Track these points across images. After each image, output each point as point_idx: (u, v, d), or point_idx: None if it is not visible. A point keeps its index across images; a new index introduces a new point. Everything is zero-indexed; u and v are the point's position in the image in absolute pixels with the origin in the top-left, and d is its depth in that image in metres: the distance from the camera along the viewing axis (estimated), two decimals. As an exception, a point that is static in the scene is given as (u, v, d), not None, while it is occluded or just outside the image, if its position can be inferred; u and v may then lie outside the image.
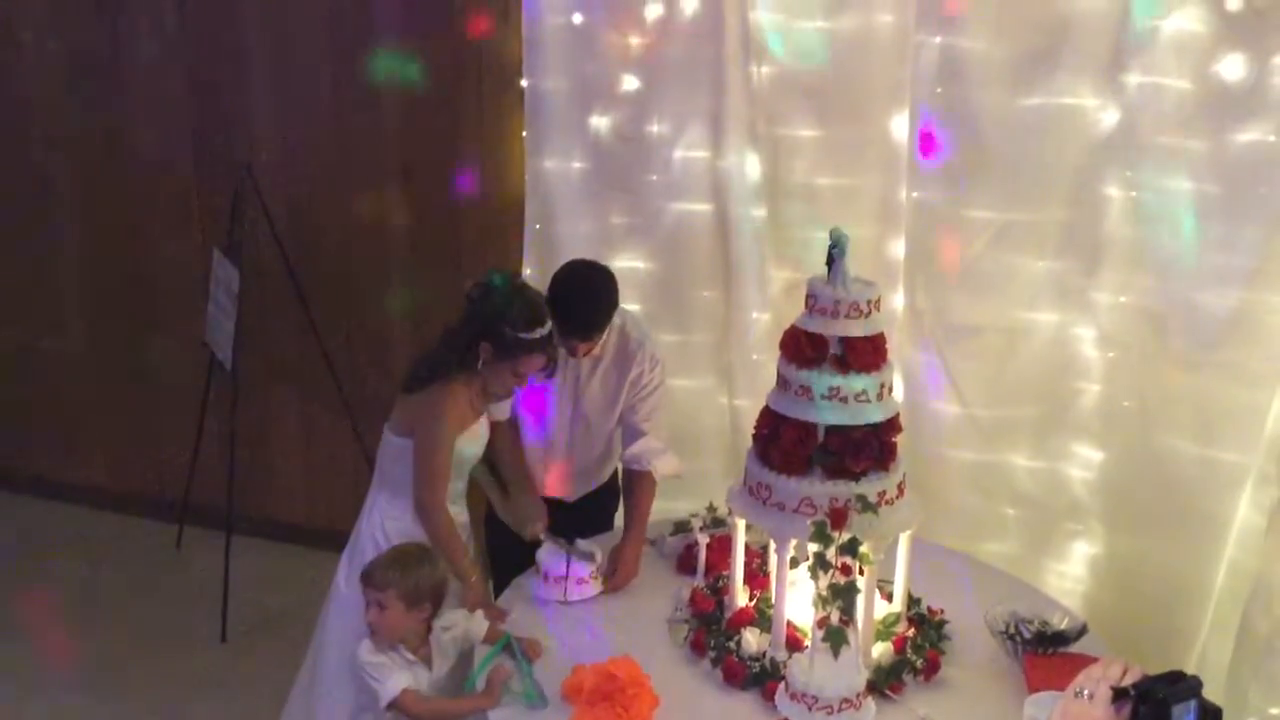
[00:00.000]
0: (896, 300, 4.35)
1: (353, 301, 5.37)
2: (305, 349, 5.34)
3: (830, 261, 3.23)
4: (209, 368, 5.40)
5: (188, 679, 4.80)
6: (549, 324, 3.51)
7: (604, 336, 3.74)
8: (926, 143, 4.20)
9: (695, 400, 4.67)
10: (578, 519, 3.88)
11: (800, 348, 3.23)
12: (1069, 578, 4.33)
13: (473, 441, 3.63)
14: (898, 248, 4.34)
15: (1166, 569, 4.06)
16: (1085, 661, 3.19)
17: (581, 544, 3.65)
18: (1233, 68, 3.77)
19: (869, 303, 3.21)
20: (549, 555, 3.60)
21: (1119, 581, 4.21)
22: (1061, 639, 3.30)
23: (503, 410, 3.80)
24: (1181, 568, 4.04)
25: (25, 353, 6.03)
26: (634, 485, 3.85)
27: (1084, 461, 4.25)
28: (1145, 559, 4.12)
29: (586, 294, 3.65)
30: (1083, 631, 3.34)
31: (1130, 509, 4.15)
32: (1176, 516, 4.03)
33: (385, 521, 3.65)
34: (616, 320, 3.79)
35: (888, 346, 3.31)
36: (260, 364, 5.46)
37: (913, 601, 3.46)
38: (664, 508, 3.99)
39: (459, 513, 3.68)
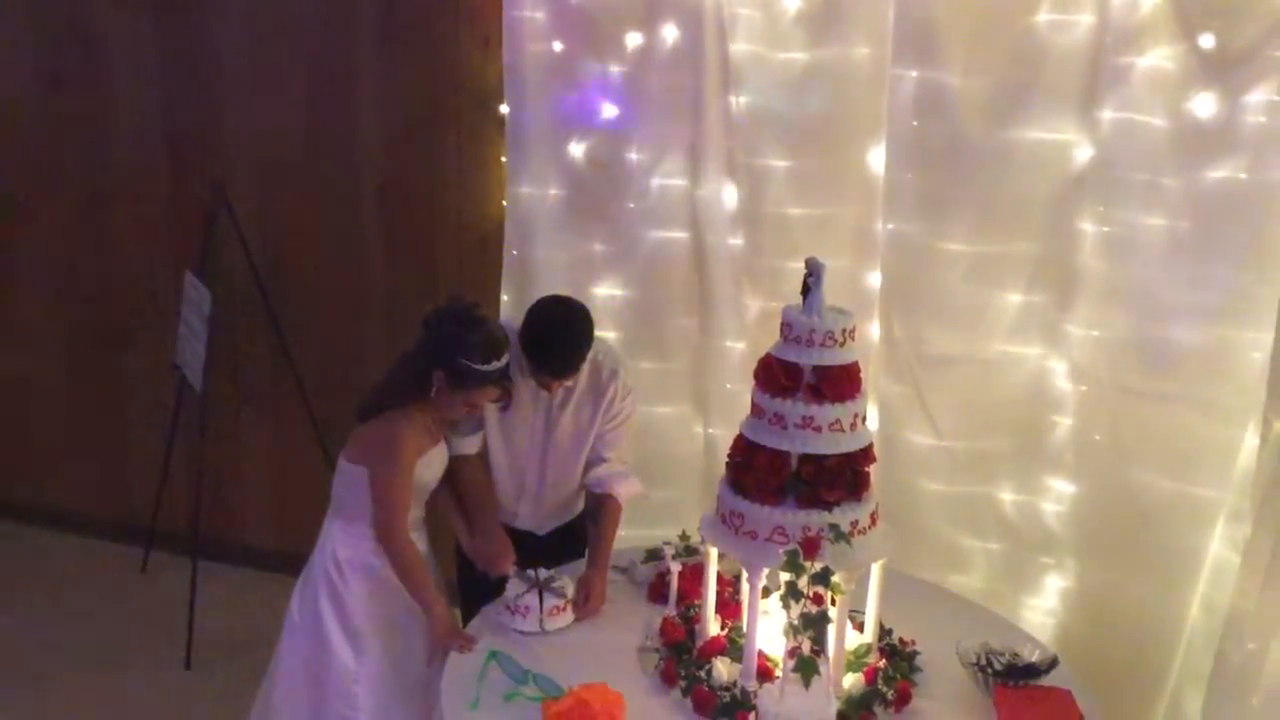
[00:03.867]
0: (872, 331, 4.35)
1: (326, 326, 5.36)
2: (277, 373, 5.32)
3: (806, 290, 3.24)
4: (178, 390, 5.37)
5: (151, 704, 4.75)
6: (506, 357, 3.48)
7: None
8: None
9: (670, 428, 4.67)
10: (549, 551, 3.85)
11: (774, 376, 3.22)
12: (1041, 610, 4.33)
13: (430, 468, 3.60)
14: (873, 278, 4.35)
15: (1139, 603, 4.07)
16: (1055, 694, 3.23)
17: (550, 574, 3.63)
18: (1205, 105, 3.81)
19: (844, 331, 3.22)
20: (520, 587, 3.58)
21: (1091, 615, 4.20)
22: (1032, 671, 3.29)
23: (471, 444, 3.76)
24: (1154, 602, 4.05)
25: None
26: (598, 511, 3.83)
27: (1057, 495, 4.26)
28: (1118, 593, 4.12)
29: (564, 335, 3.60)
30: (1054, 664, 3.33)
31: (1103, 543, 4.15)
32: (1149, 551, 4.04)
33: (338, 549, 3.61)
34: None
35: (862, 376, 3.30)
36: (231, 387, 5.44)
37: (884, 632, 3.45)
38: (637, 535, 3.98)
39: (418, 539, 3.65)
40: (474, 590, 3.87)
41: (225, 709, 4.51)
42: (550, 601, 3.53)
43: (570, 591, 3.59)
